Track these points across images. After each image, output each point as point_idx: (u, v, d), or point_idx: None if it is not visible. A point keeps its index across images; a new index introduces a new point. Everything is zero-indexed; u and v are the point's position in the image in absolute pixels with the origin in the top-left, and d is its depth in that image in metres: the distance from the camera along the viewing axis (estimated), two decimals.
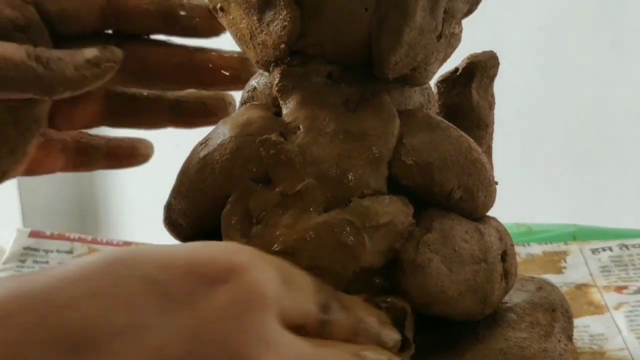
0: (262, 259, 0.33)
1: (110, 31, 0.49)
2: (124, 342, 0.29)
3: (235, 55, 0.50)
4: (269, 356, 0.31)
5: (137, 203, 1.70)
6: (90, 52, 0.44)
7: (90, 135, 0.54)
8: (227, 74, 0.50)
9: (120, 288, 0.30)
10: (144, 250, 0.32)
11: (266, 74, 0.49)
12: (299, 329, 0.34)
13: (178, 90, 0.52)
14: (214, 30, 0.50)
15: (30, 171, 0.50)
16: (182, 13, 0.49)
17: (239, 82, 0.50)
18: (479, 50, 0.52)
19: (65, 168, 0.53)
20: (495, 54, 0.52)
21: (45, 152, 0.51)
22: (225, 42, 0.50)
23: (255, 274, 0.32)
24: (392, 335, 0.40)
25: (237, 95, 0.52)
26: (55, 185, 1.77)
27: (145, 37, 0.50)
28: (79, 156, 0.53)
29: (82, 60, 0.44)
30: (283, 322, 0.33)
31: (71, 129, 0.52)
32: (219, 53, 0.50)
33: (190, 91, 0.52)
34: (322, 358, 0.34)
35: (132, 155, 0.55)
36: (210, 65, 0.50)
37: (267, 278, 0.32)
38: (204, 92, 0.52)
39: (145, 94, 0.52)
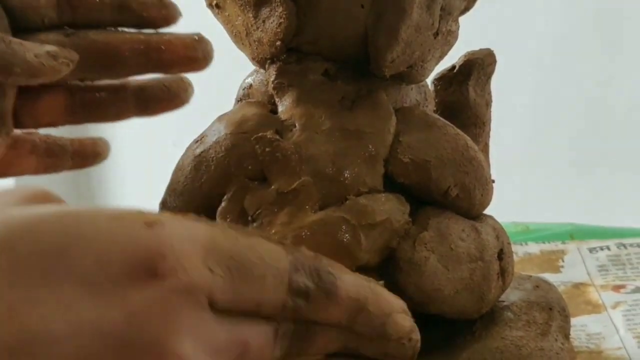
0: (205, 249, 0.32)
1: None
2: (62, 348, 0.29)
3: (193, 36, 0.51)
4: (189, 344, 0.31)
5: (133, 201, 1.70)
6: (50, 47, 0.45)
7: (55, 136, 0.54)
8: (185, 54, 0.50)
9: (57, 290, 0.29)
10: (78, 235, 0.31)
11: (262, 71, 0.48)
12: (253, 315, 0.34)
13: (139, 74, 0.52)
14: (167, 20, 0.50)
15: (1, 172, 0.51)
16: (134, 4, 0.50)
17: (196, 62, 0.50)
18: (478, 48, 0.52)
19: (37, 170, 0.53)
20: (493, 51, 0.52)
21: (14, 153, 0.51)
22: (221, 38, 0.50)
23: (184, 267, 0.31)
24: (406, 326, 0.38)
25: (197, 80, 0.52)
26: (52, 184, 1.77)
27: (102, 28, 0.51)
28: (48, 157, 0.53)
29: (42, 50, 0.44)
30: (218, 306, 0.32)
31: (37, 127, 0.52)
32: (174, 35, 0.50)
33: (151, 77, 0.53)
34: (240, 333, 0.33)
35: (95, 153, 0.55)
36: (166, 47, 0.50)
37: (199, 273, 0.31)
38: (165, 76, 0.52)
39: (108, 84, 0.52)
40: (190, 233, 0.32)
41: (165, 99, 0.52)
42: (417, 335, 0.37)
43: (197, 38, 0.50)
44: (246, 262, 0.33)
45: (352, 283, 0.36)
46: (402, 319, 0.38)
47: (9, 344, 0.28)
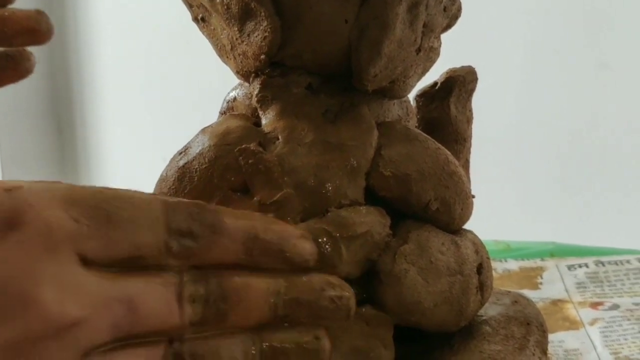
0: (66, 201, 0.33)
1: None
2: None
3: (34, 10, 0.51)
4: (52, 291, 0.31)
5: None
6: None
7: None
8: (27, 26, 0.50)
9: None
10: None
11: (246, 84, 0.49)
12: (134, 260, 0.34)
13: None
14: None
15: None
16: None
17: (39, 34, 0.51)
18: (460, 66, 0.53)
19: None
20: (474, 69, 0.53)
21: None
22: (207, 51, 0.50)
23: (44, 221, 0.32)
24: (307, 248, 0.38)
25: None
26: None
27: None
28: None
29: None
30: (92, 260, 0.33)
31: None
32: (16, 9, 0.51)
33: None
34: (120, 289, 0.33)
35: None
36: (8, 19, 0.50)
37: (58, 223, 0.32)
38: (8, 48, 0.53)
39: None
40: (50, 188, 0.33)
41: (10, 67, 0.52)
42: (346, 292, 0.38)
43: (38, 11, 0.50)
44: (113, 208, 0.33)
45: (237, 215, 0.37)
46: (301, 242, 0.38)
47: None
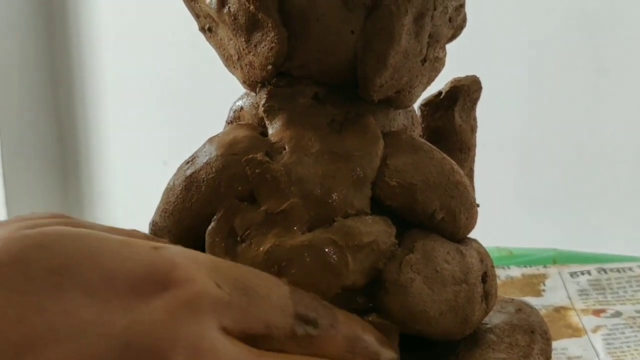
0: (209, 269, 0.34)
1: None
2: (64, 348, 0.30)
3: None
4: (186, 356, 0.31)
5: (123, 221, 1.70)
6: None
7: None
8: None
9: (63, 299, 0.31)
10: (87, 254, 0.32)
11: (253, 94, 0.49)
12: (263, 339, 0.34)
13: None
14: None
15: None
16: None
17: None
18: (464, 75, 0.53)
19: None
20: (478, 78, 0.53)
21: None
22: (215, 63, 0.51)
23: (193, 285, 0.32)
24: (391, 356, 0.41)
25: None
26: (44, 204, 1.77)
27: None
28: None
29: None
30: (229, 331, 0.33)
31: None
32: None
33: None
34: None
35: None
36: None
37: (206, 289, 0.33)
38: None
39: None
40: (194, 255, 0.34)
41: None
42: None
43: None
44: (250, 282, 0.34)
45: (345, 314, 0.38)
46: (384, 346, 0.40)
47: (15, 345, 0.30)
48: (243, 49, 0.47)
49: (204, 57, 0.52)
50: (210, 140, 0.48)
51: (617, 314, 0.66)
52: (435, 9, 0.46)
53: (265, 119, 0.47)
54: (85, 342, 0.30)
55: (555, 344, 0.56)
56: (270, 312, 0.34)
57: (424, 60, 0.47)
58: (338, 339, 0.37)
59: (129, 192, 1.79)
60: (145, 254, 0.33)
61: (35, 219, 0.35)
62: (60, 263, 0.31)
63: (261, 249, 0.43)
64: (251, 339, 0.34)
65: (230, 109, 0.52)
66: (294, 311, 0.35)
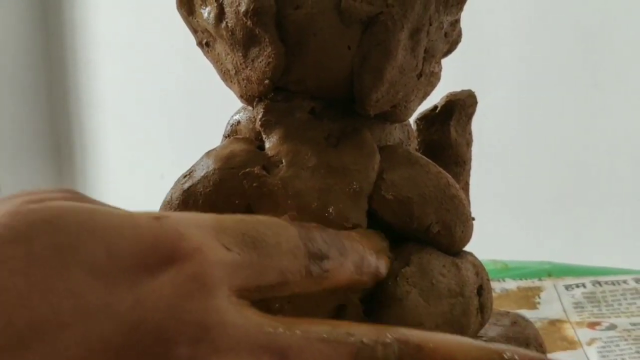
0: (216, 230, 0.32)
1: None
2: (70, 333, 0.29)
3: None
4: (211, 341, 0.30)
5: None
6: None
7: None
8: None
9: (68, 279, 0.29)
10: (90, 229, 0.31)
11: (250, 108, 0.50)
12: (280, 287, 0.33)
13: None
14: None
15: None
16: None
17: None
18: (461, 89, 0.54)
19: None
20: (474, 92, 0.53)
21: None
22: (212, 77, 0.51)
23: (200, 255, 0.31)
24: (387, 264, 0.42)
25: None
26: None
27: None
28: None
29: None
30: (244, 290, 0.32)
31: None
32: None
33: None
34: (282, 340, 0.31)
35: None
36: None
37: (214, 257, 0.31)
38: None
39: None
40: (198, 219, 0.33)
41: None
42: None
43: None
44: (258, 234, 0.33)
45: (348, 237, 0.38)
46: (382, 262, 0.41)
47: (19, 329, 0.28)
48: (240, 64, 0.47)
49: (201, 71, 0.52)
50: (208, 154, 0.48)
51: (612, 327, 0.67)
52: (431, 24, 0.47)
53: (262, 133, 0.47)
54: (91, 325, 0.29)
55: (550, 357, 0.56)
56: (282, 259, 0.33)
57: (419, 75, 0.48)
58: (348, 265, 0.36)
59: (127, 205, 1.78)
60: (147, 226, 0.31)
61: (42, 192, 0.33)
62: (64, 240, 0.30)
63: None
64: (268, 291, 0.33)
65: (228, 123, 0.52)
66: (305, 251, 0.34)
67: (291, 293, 0.34)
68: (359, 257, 0.38)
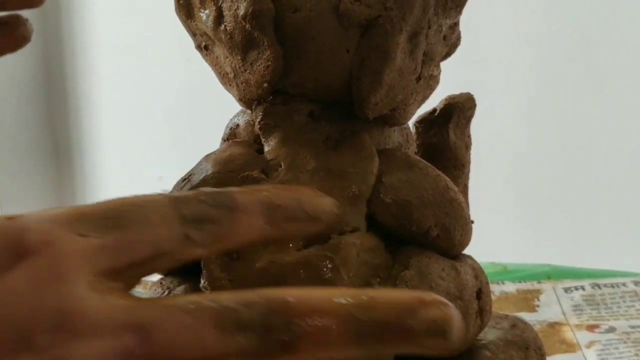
0: (70, 220, 0.32)
1: None
2: None
3: None
4: (70, 326, 0.30)
5: None
6: None
7: None
8: None
9: None
10: None
11: (248, 111, 0.49)
12: (159, 259, 0.32)
13: None
14: None
15: None
16: None
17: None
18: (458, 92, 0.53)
19: None
20: (472, 95, 0.53)
21: None
22: (211, 79, 0.51)
23: (51, 246, 0.30)
24: (326, 201, 0.36)
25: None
26: None
27: None
28: None
29: None
30: (112, 271, 0.31)
31: None
32: None
33: None
34: (142, 316, 0.30)
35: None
36: None
37: (67, 246, 0.31)
38: (2, 13, 0.53)
39: None
40: (52, 214, 0.32)
41: (6, 34, 0.52)
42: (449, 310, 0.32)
43: None
44: (122, 213, 0.32)
45: (246, 191, 0.34)
46: (317, 198, 0.35)
47: None
48: (239, 67, 0.47)
49: (199, 73, 0.52)
50: (207, 157, 0.48)
51: (611, 330, 0.67)
52: (429, 28, 0.47)
53: (261, 136, 0.47)
54: None
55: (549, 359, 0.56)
56: (151, 230, 0.32)
57: (418, 78, 0.48)
58: (246, 220, 0.33)
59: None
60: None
61: None
62: None
63: (257, 265, 0.44)
64: (144, 265, 0.32)
65: (227, 126, 0.52)
66: (179, 217, 0.32)
67: (177, 263, 0.32)
68: (265, 206, 0.34)
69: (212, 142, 0.53)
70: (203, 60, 0.51)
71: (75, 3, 1.93)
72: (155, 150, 1.78)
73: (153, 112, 1.82)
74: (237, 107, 0.51)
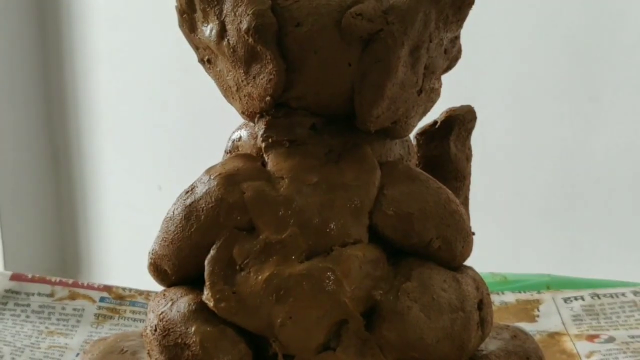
0: None
1: None
2: None
3: None
4: None
5: (118, 246, 1.70)
6: None
7: None
8: None
9: None
10: None
11: (251, 124, 0.50)
12: None
13: None
14: None
15: None
16: None
17: None
18: (458, 104, 0.54)
19: None
20: (473, 108, 0.54)
21: None
22: (213, 92, 0.51)
23: None
24: None
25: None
26: (37, 228, 1.77)
27: None
28: None
29: None
30: None
31: None
32: None
33: None
34: None
35: None
36: None
37: None
38: None
39: None
40: None
41: None
42: None
43: None
44: None
45: None
46: None
47: None
48: (242, 81, 0.47)
49: (200, 84, 0.53)
50: (209, 169, 0.49)
51: (611, 340, 0.67)
52: (431, 41, 0.47)
53: (263, 150, 0.48)
54: None
55: None
56: None
57: (420, 91, 0.48)
58: None
59: (123, 215, 1.79)
60: None
61: None
62: None
63: (260, 277, 0.44)
64: None
65: (229, 138, 0.52)
66: None
67: None
68: None
69: (211, 151, 0.53)
70: (203, 71, 0.51)
71: (75, 11, 1.94)
72: (154, 160, 1.79)
73: (153, 122, 1.82)
74: (237, 117, 0.52)
